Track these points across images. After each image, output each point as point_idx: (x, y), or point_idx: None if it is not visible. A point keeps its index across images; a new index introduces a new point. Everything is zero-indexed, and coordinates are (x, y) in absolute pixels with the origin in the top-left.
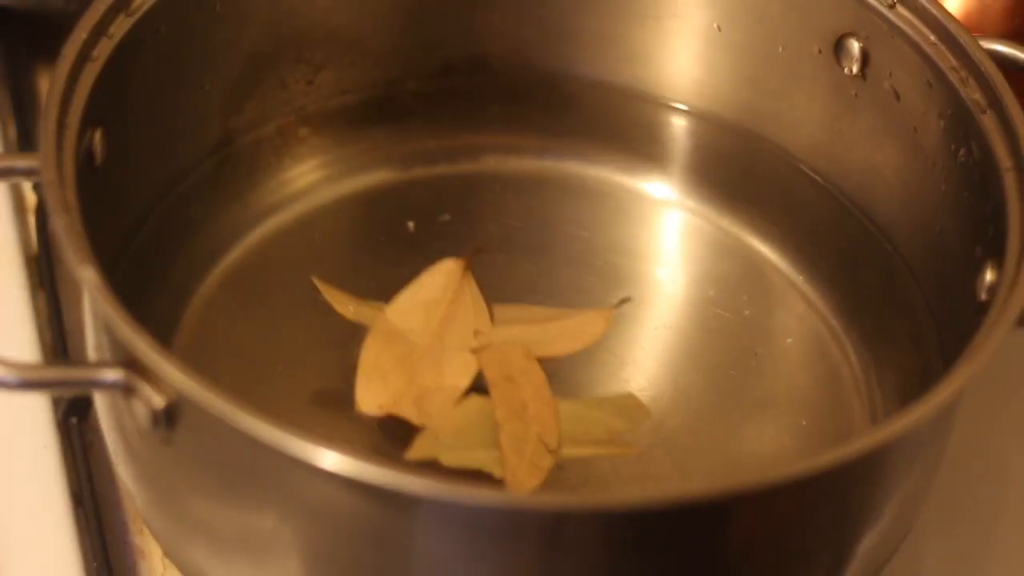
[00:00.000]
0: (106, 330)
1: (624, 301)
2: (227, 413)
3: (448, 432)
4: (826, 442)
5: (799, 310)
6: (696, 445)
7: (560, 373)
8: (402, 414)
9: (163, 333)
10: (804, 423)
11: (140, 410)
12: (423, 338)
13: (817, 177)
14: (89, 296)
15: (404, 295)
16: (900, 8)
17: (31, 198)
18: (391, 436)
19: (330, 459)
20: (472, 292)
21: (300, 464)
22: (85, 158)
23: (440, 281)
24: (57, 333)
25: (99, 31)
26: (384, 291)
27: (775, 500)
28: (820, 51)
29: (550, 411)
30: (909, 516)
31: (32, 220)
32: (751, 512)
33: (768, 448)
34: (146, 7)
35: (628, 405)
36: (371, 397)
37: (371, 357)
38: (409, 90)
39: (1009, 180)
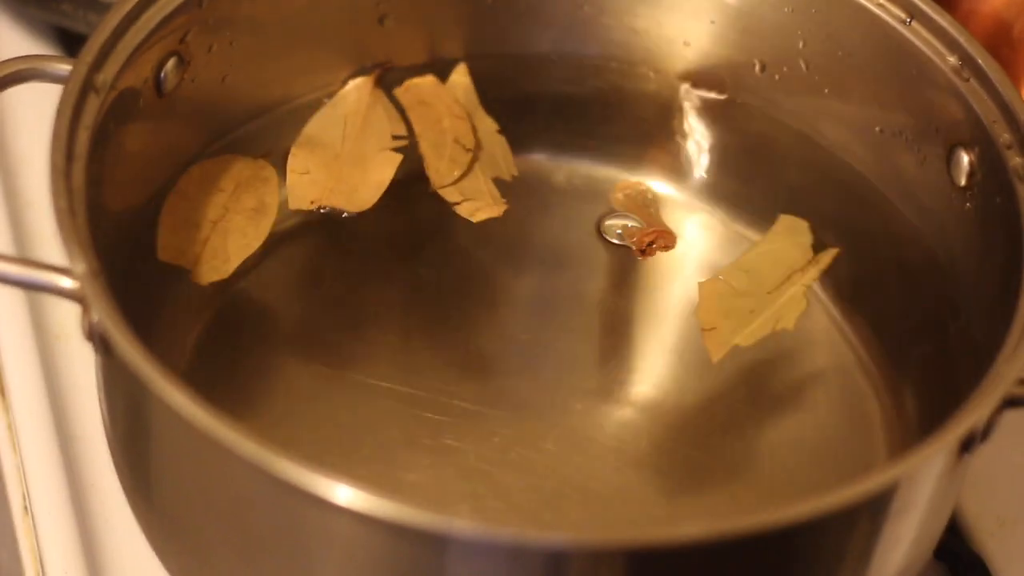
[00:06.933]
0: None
1: None
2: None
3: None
4: (842, 447)
5: (814, 315)
6: (708, 449)
7: (563, 372)
8: (334, 204)
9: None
10: (822, 431)
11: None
12: (344, 145)
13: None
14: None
15: (320, 113)
16: None
17: None
18: (390, 451)
19: (339, 493)
20: (384, 104)
21: (303, 494)
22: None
23: (352, 96)
24: None
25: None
26: (383, 295)
27: (778, 538)
28: None
29: (463, 123)
30: (924, 545)
31: None
32: (753, 551)
33: (782, 452)
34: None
35: (789, 225)
36: (302, 195)
37: (297, 163)
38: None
39: None
